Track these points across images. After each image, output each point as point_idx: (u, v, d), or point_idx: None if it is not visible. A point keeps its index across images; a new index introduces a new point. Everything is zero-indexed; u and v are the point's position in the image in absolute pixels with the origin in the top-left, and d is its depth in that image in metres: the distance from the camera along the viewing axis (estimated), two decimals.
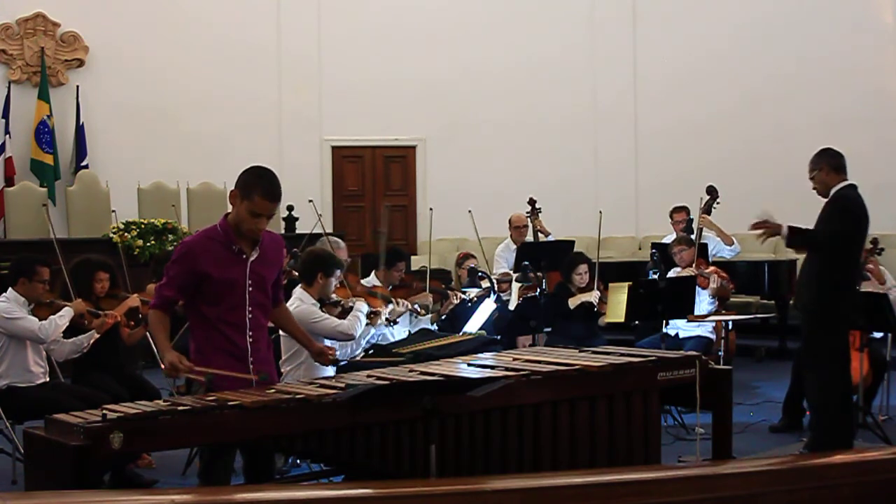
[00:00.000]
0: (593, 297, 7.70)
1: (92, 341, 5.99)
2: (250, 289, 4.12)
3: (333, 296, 5.94)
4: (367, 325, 6.06)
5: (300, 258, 6.29)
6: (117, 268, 6.64)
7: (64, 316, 5.85)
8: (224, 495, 3.18)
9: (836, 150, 5.96)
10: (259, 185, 4.04)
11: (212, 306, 4.08)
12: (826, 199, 5.90)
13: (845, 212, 5.79)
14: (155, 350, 5.51)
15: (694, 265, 8.01)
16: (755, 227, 5.85)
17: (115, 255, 9.04)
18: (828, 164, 5.88)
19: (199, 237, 4.19)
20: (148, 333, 6.64)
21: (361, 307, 5.96)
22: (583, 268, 7.85)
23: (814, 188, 5.94)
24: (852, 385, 6.07)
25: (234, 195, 4.09)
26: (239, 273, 4.10)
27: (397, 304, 6.67)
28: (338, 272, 5.85)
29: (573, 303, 7.72)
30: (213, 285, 4.06)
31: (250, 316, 4.13)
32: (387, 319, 6.41)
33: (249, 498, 3.10)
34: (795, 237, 5.83)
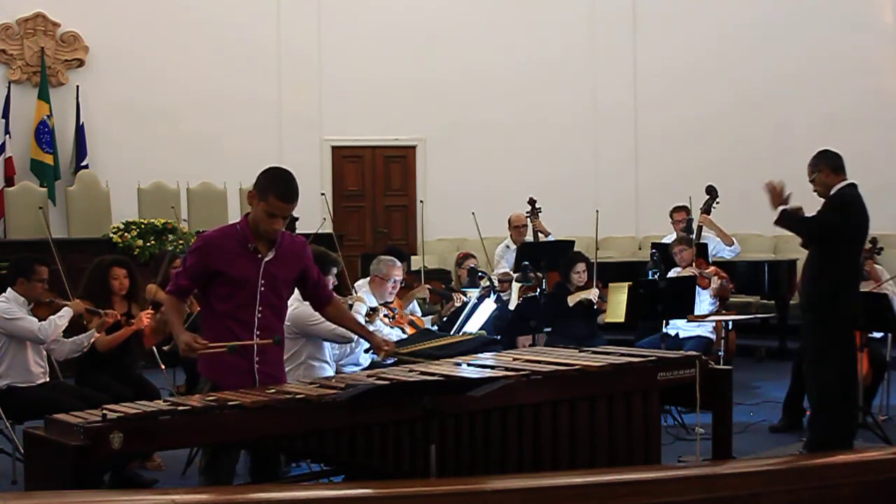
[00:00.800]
0: (592, 294, 7.71)
1: (92, 340, 5.99)
2: (262, 288, 4.15)
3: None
4: (366, 322, 6.06)
5: None
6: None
7: (63, 316, 5.85)
8: (224, 495, 3.18)
9: (834, 151, 5.98)
10: (274, 186, 4.10)
11: (223, 302, 4.13)
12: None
13: (843, 207, 5.81)
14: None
15: (694, 265, 8.02)
16: (769, 185, 5.91)
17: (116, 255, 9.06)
18: (827, 166, 5.90)
19: (218, 233, 4.26)
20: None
21: (360, 308, 5.96)
22: (580, 266, 7.86)
23: (814, 190, 5.96)
24: (856, 386, 6.06)
25: (252, 196, 4.15)
26: (252, 272, 4.13)
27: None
28: (334, 270, 5.84)
29: (572, 300, 7.73)
30: (224, 281, 4.11)
31: (260, 315, 4.15)
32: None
33: (249, 498, 3.10)
34: (784, 218, 5.87)
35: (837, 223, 5.80)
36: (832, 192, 5.87)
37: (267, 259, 4.16)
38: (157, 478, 5.75)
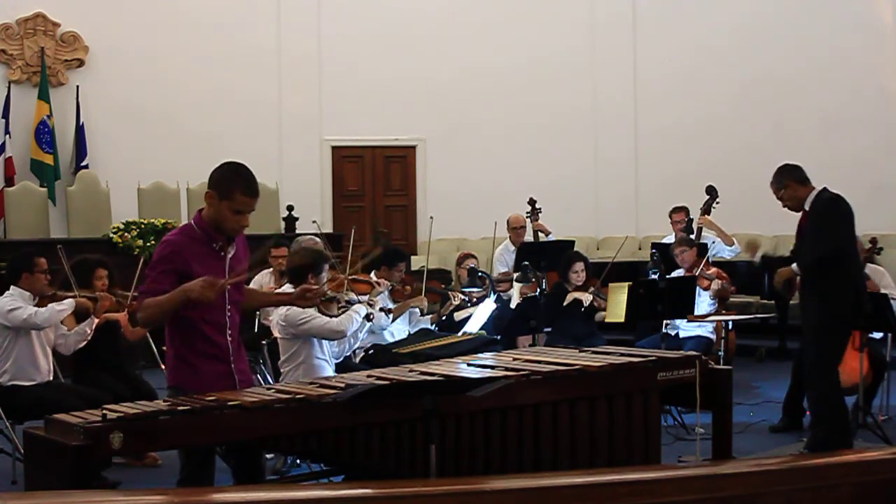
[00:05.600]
0: (585, 297, 7.69)
1: (95, 325, 6.01)
2: (228, 286, 4.05)
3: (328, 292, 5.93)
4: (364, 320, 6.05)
5: (287, 260, 6.27)
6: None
7: (64, 304, 5.84)
8: (224, 495, 3.19)
9: (793, 164, 6.03)
10: (238, 182, 4.00)
11: (193, 307, 3.94)
12: (801, 211, 5.96)
13: (834, 215, 5.84)
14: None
15: (696, 266, 8.00)
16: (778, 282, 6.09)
17: (116, 255, 9.09)
18: (793, 180, 5.96)
19: (180, 235, 4.09)
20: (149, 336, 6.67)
21: (359, 309, 5.97)
22: (579, 266, 7.86)
23: (785, 206, 6.00)
24: (839, 385, 6.07)
25: (211, 196, 4.03)
26: (220, 271, 4.03)
27: (380, 285, 6.73)
28: (326, 266, 5.83)
29: (566, 300, 7.73)
30: None
31: (229, 314, 4.07)
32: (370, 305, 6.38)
33: (249, 498, 3.10)
34: (805, 264, 5.96)
35: (844, 229, 5.81)
36: (808, 201, 5.89)
37: (230, 256, 4.08)
38: (158, 478, 5.74)
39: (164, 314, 3.94)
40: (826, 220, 5.84)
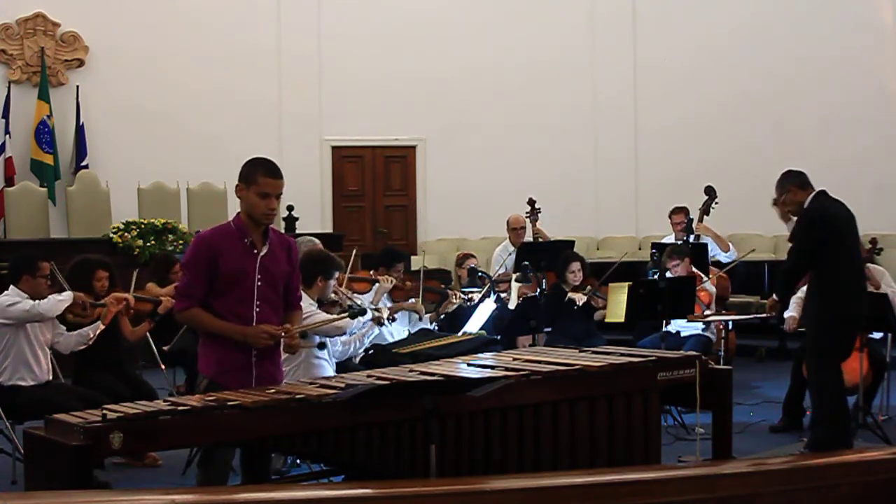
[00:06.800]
0: (579, 298, 7.69)
1: (98, 332, 6.01)
2: (259, 283, 4.17)
3: (332, 296, 5.94)
4: (368, 322, 6.05)
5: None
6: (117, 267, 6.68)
7: (64, 296, 5.84)
8: (224, 495, 3.19)
9: (796, 170, 6.14)
10: (258, 167, 4.19)
11: (220, 298, 4.14)
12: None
13: (807, 226, 5.95)
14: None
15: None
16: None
17: (116, 255, 9.09)
18: (793, 185, 6.06)
19: (213, 231, 4.29)
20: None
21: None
22: (575, 266, 7.86)
23: (788, 211, 6.11)
24: (842, 385, 6.09)
25: (240, 188, 4.20)
26: (249, 266, 4.16)
27: (385, 280, 6.72)
28: (336, 274, 5.85)
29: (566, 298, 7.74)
30: (223, 276, 4.12)
31: (258, 310, 4.17)
32: (373, 307, 6.39)
33: (249, 498, 3.10)
34: (781, 292, 6.29)
35: (814, 240, 5.89)
36: (806, 204, 6.01)
37: (262, 254, 4.20)
38: (158, 478, 5.74)
39: (206, 331, 4.21)
40: (797, 234, 5.99)
